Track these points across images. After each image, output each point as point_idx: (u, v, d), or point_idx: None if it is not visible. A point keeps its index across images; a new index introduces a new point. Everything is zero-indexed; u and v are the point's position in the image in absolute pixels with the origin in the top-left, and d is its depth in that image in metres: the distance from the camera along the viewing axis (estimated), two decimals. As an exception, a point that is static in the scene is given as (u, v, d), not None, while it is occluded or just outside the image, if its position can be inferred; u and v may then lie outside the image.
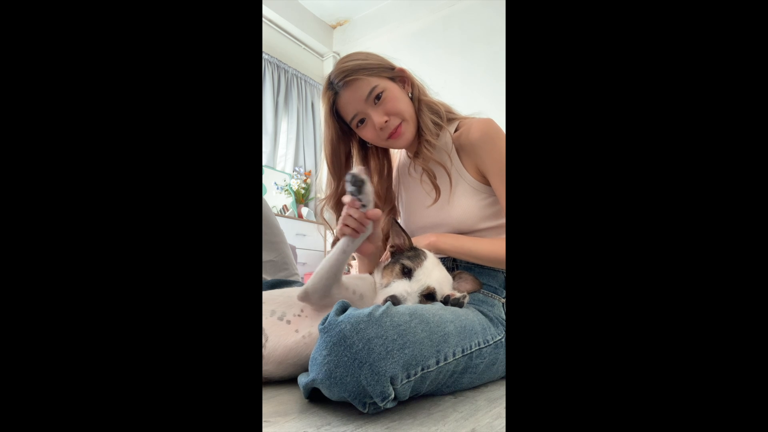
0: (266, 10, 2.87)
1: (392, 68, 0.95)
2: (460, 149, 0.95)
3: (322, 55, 3.54)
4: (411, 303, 0.74)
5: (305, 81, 3.33)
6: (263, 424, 0.55)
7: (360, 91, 0.89)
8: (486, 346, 0.75)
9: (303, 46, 3.34)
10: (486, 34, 2.63)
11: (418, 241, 0.90)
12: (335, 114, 0.95)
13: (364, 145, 1.05)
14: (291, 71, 3.21)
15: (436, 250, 0.89)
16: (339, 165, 1.00)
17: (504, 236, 0.95)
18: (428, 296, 0.78)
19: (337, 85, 0.91)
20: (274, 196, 3.09)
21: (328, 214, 1.01)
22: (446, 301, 0.78)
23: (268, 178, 3.07)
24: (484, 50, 2.63)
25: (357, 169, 0.73)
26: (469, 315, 0.76)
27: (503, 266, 0.90)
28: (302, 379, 0.63)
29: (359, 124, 0.93)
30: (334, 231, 0.95)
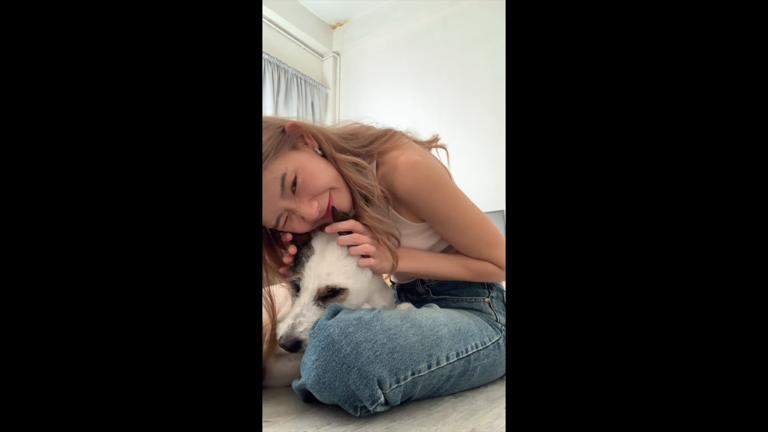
0: (266, 10, 2.87)
1: (283, 130, 0.69)
2: (388, 193, 0.76)
3: (322, 55, 3.53)
4: (313, 320, 0.64)
5: (305, 81, 3.33)
6: (263, 424, 0.55)
7: (270, 190, 0.65)
8: (484, 348, 0.74)
9: (303, 46, 3.34)
10: (486, 34, 2.63)
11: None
12: None
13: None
14: (291, 71, 3.21)
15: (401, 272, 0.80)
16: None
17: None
18: (330, 294, 0.68)
19: None
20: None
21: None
22: None
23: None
24: (483, 50, 2.62)
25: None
26: (464, 318, 0.76)
27: (475, 280, 0.84)
28: (295, 383, 0.63)
29: (285, 223, 0.70)
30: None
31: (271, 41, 3.09)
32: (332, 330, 0.57)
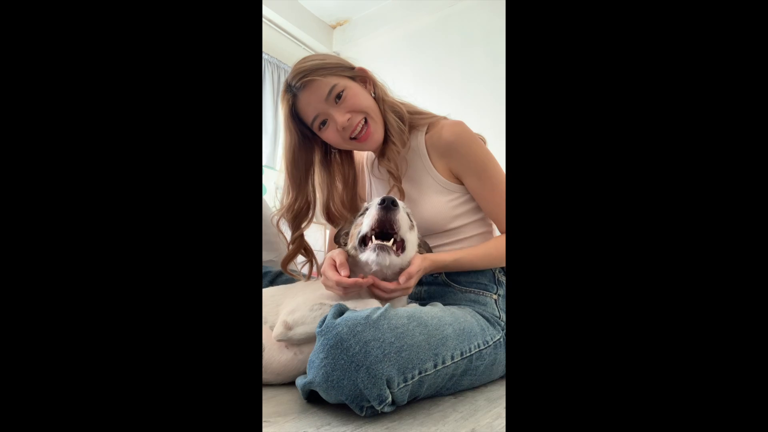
0: (266, 10, 2.86)
1: (352, 68, 0.91)
2: (431, 150, 0.93)
3: (322, 56, 3.53)
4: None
5: (305, 81, 3.33)
6: (263, 424, 0.55)
7: (319, 91, 0.85)
8: (486, 347, 0.75)
9: (303, 46, 3.34)
10: (486, 34, 2.63)
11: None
12: (296, 117, 0.91)
13: (326, 153, 1.00)
14: (291, 71, 3.21)
15: (434, 271, 0.85)
16: (299, 175, 0.94)
17: (480, 233, 0.94)
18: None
19: (295, 87, 0.87)
20: (274, 196, 3.09)
21: (285, 227, 0.96)
22: None
23: (268, 178, 3.07)
24: (483, 50, 2.62)
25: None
26: (467, 317, 0.76)
27: (497, 265, 0.89)
28: (300, 381, 0.63)
29: (321, 126, 0.89)
30: (288, 243, 0.94)
31: (271, 41, 3.09)
32: (341, 329, 0.57)
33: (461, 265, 0.84)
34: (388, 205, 0.71)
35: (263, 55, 2.97)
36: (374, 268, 0.73)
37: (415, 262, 0.76)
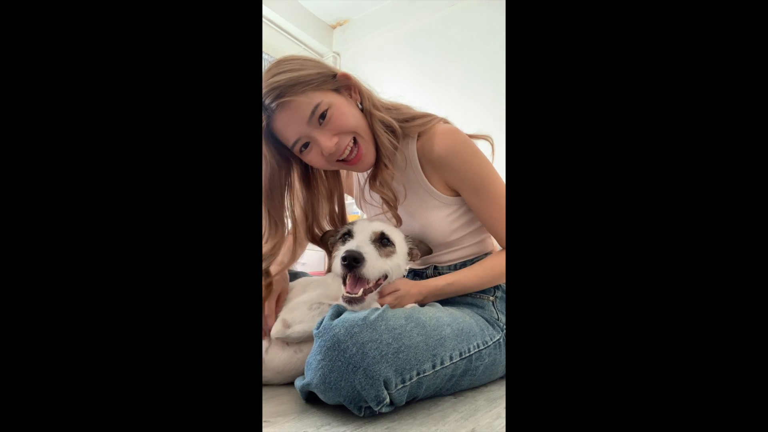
0: (266, 10, 2.86)
1: (333, 75, 0.77)
2: (424, 162, 0.85)
3: (322, 55, 3.53)
4: (372, 251, 0.72)
5: (305, 81, 3.32)
6: (263, 425, 0.55)
7: (299, 112, 0.72)
8: (485, 348, 0.75)
9: (303, 46, 3.34)
10: (486, 34, 2.63)
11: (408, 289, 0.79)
12: (271, 139, 0.78)
13: (307, 168, 0.88)
14: (291, 71, 3.20)
15: (425, 298, 0.81)
16: (281, 203, 0.82)
17: (479, 240, 0.91)
18: (383, 240, 0.78)
19: (269, 107, 0.73)
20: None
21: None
22: None
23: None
24: (484, 50, 2.62)
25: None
26: (466, 317, 0.76)
27: (491, 285, 0.86)
28: (298, 382, 0.63)
29: (303, 149, 0.77)
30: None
31: (271, 41, 3.09)
32: (338, 330, 0.57)
33: (455, 289, 0.82)
34: (350, 264, 0.67)
35: (263, 55, 2.97)
36: None
37: (400, 286, 0.76)
